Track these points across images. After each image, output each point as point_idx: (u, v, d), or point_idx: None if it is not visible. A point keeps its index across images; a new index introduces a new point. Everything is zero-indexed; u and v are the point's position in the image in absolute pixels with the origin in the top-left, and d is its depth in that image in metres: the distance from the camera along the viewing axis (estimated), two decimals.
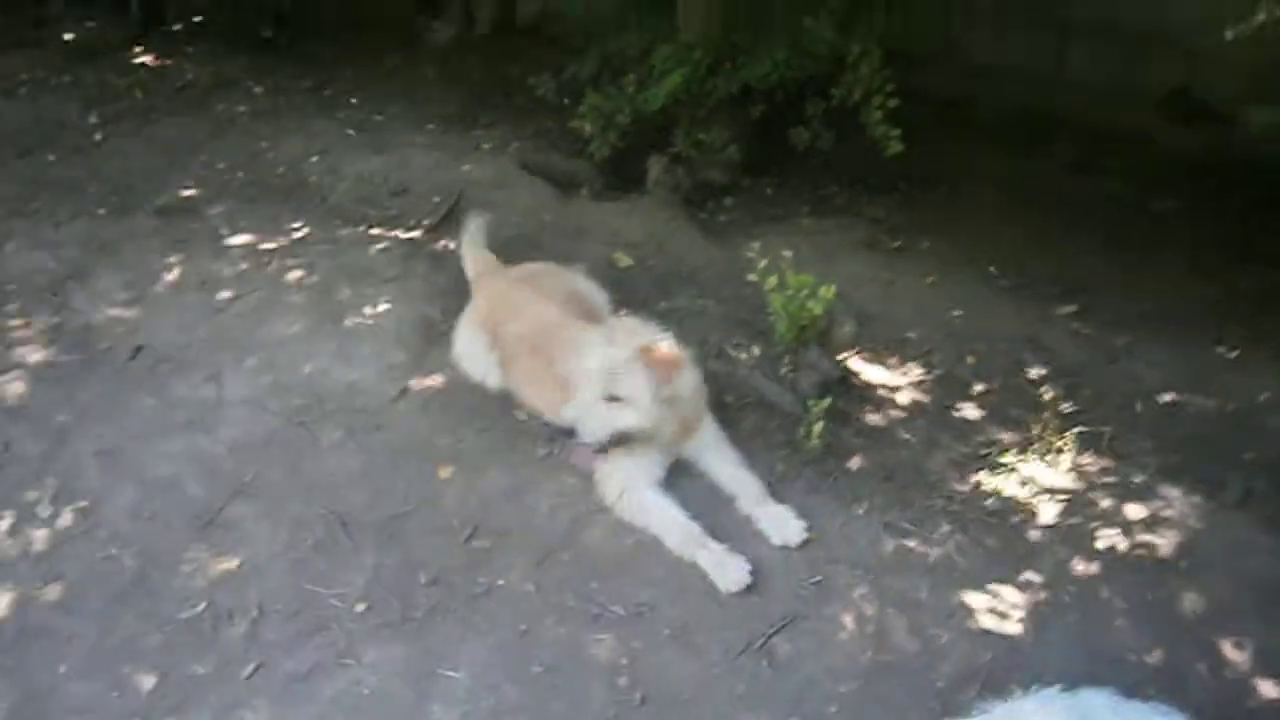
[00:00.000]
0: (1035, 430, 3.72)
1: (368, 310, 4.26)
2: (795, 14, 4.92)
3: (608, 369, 3.25)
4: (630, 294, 4.43)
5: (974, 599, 3.15)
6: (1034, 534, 3.36)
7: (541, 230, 4.92)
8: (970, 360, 4.16)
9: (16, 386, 3.91)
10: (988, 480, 3.55)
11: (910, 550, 3.30)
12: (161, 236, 4.75)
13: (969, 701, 2.75)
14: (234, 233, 4.77)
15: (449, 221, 4.94)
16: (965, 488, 3.53)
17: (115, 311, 4.30)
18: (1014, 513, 3.44)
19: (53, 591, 3.20)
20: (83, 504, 3.47)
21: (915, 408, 3.90)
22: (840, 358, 3.99)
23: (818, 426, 3.55)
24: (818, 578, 3.22)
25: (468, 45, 6.45)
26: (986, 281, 4.74)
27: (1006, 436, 3.75)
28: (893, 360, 4.14)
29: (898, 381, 4.03)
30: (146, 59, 6.56)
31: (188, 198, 5.11)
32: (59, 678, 2.97)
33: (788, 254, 3.82)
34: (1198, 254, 5.01)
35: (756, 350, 4.10)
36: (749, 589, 3.15)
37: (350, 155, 5.48)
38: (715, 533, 3.29)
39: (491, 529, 3.39)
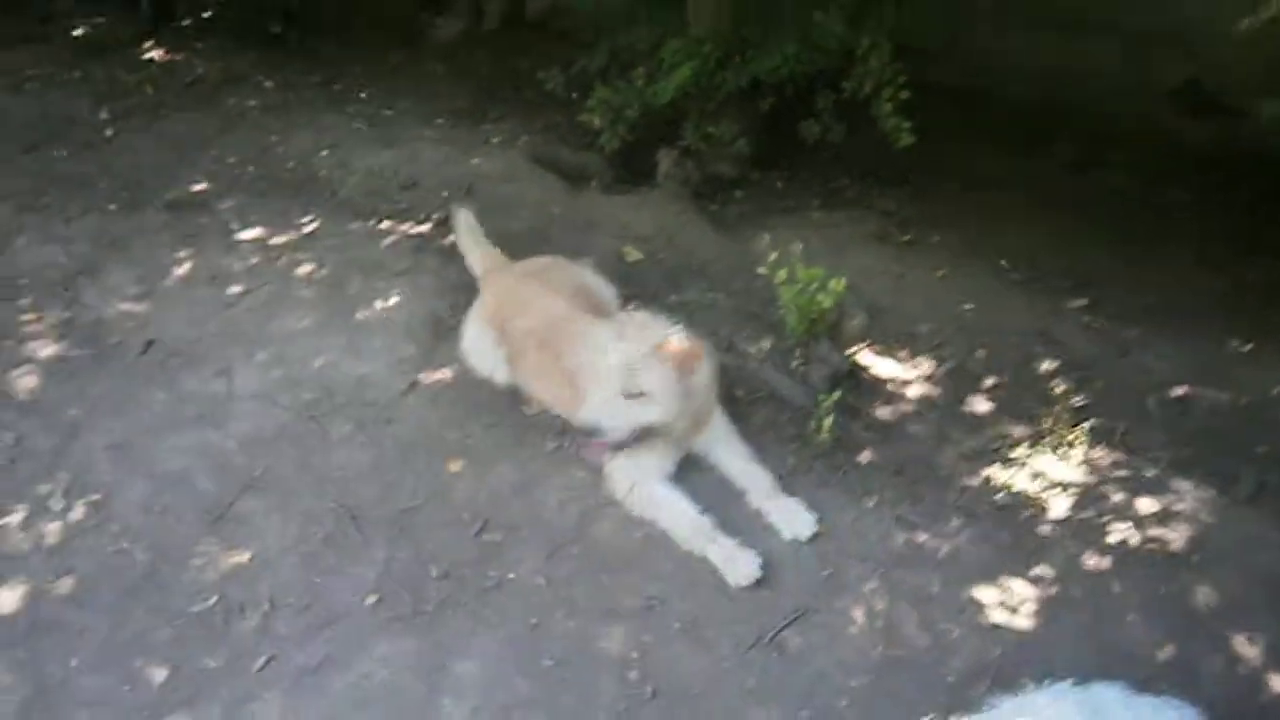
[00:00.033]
0: (1046, 424, 3.70)
1: (378, 304, 4.27)
2: (805, 8, 4.90)
3: (627, 364, 3.24)
4: (640, 287, 4.43)
5: (985, 593, 3.15)
6: (1045, 528, 3.35)
7: (551, 224, 4.92)
8: (981, 354, 4.15)
9: (28, 381, 3.92)
10: (998, 474, 3.54)
11: (921, 544, 3.30)
12: (172, 231, 4.76)
13: (979, 696, 2.75)
14: (244, 227, 4.78)
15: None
16: (976, 482, 3.52)
17: (126, 306, 4.31)
18: (1025, 507, 3.43)
19: (64, 585, 3.21)
20: (94, 498, 3.48)
21: (926, 401, 3.89)
22: (850, 351, 3.98)
23: (828, 420, 3.54)
24: (828, 571, 3.22)
25: (476, 39, 6.45)
26: (997, 275, 4.72)
27: (1017, 430, 3.74)
28: (903, 354, 4.13)
29: (908, 375, 4.01)
30: (156, 54, 6.57)
31: (198, 193, 5.11)
32: (70, 671, 2.98)
33: (798, 247, 3.82)
34: (1207, 247, 4.99)
35: (767, 344, 4.10)
36: (759, 583, 3.15)
37: (360, 149, 5.48)
38: (725, 527, 3.29)
39: (501, 523, 3.40)
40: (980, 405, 3.88)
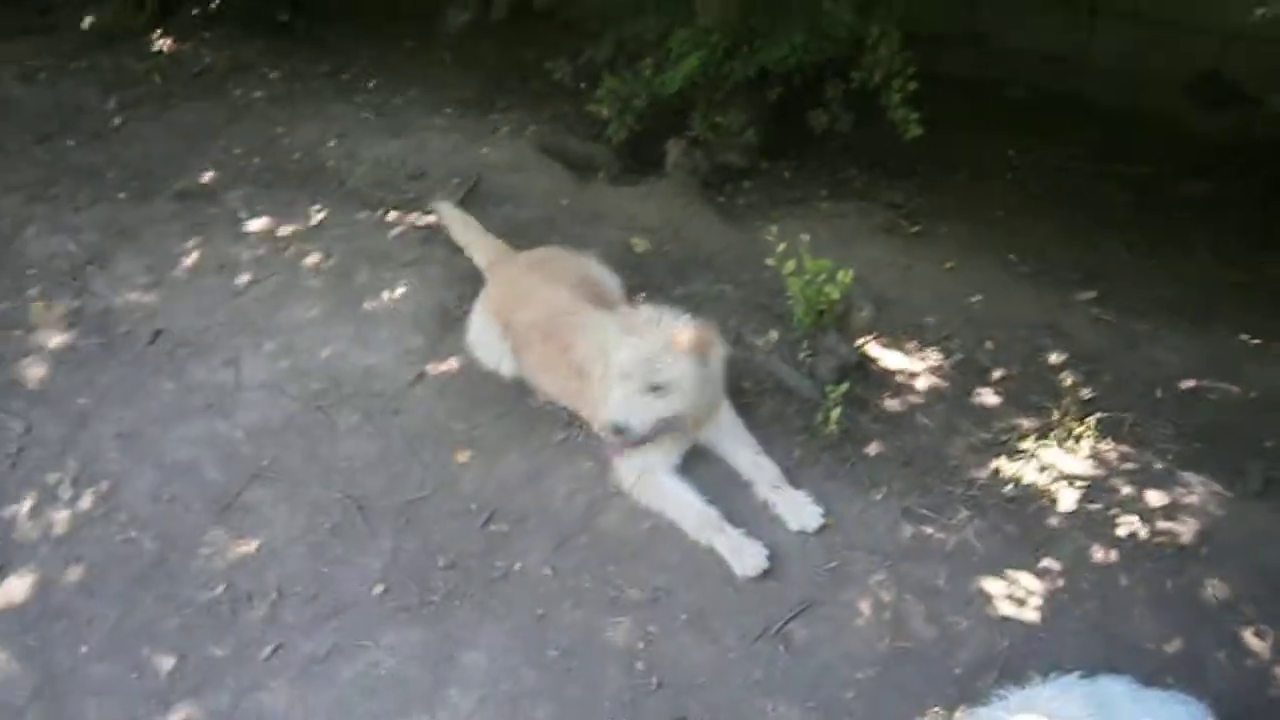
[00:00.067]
0: (1055, 416, 3.69)
1: (385, 294, 4.27)
2: None
3: (645, 358, 3.24)
4: (647, 278, 4.42)
5: (992, 585, 3.14)
6: (1053, 520, 3.35)
7: (558, 214, 4.91)
8: (989, 346, 4.13)
9: (37, 370, 3.94)
10: (1006, 466, 3.53)
11: (928, 536, 3.29)
12: (180, 221, 4.76)
13: (987, 688, 2.75)
14: (252, 217, 4.78)
15: (466, 205, 4.93)
16: (984, 474, 3.51)
17: (134, 296, 4.32)
18: (1033, 499, 3.42)
19: (73, 573, 3.23)
20: (103, 487, 3.50)
21: (934, 393, 3.87)
22: (858, 343, 3.97)
23: (835, 412, 3.54)
24: (835, 563, 3.22)
25: (484, 29, 6.43)
26: (1006, 267, 4.70)
27: (1026, 422, 3.72)
28: (911, 345, 4.11)
29: (916, 367, 4.00)
30: (164, 44, 6.56)
31: (206, 182, 5.12)
32: (79, 658, 3.00)
33: (806, 238, 3.80)
34: (1219, 240, 4.96)
35: (774, 335, 4.09)
36: (766, 574, 3.15)
37: (367, 139, 5.48)
38: (732, 518, 3.29)
39: (509, 513, 3.40)
40: (988, 397, 3.87)
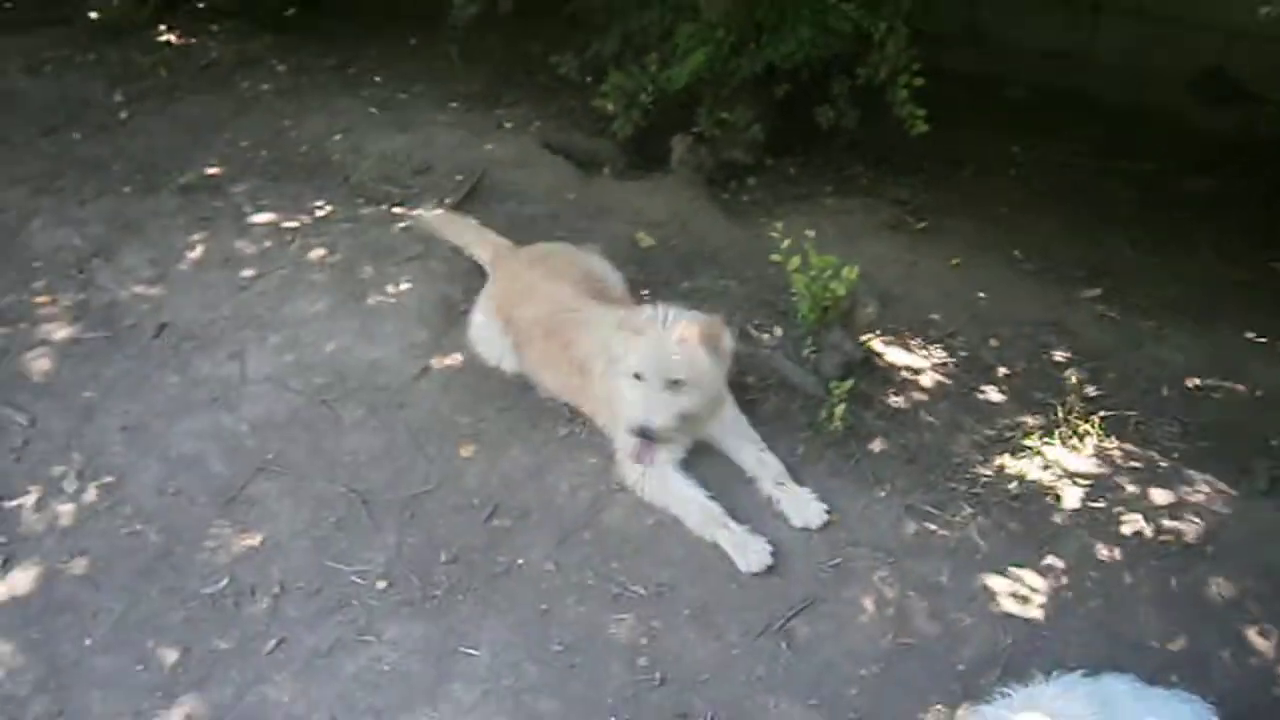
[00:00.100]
0: (1059, 414, 3.69)
1: (390, 289, 4.27)
2: None
3: (659, 356, 3.23)
4: (653, 274, 4.42)
5: (996, 583, 3.14)
6: (1057, 518, 3.34)
7: (563, 209, 4.91)
8: (994, 343, 4.13)
9: (43, 363, 3.94)
10: (1011, 463, 3.53)
11: (932, 533, 3.29)
12: (185, 214, 4.77)
13: (990, 686, 2.75)
14: (257, 211, 4.78)
15: (472, 200, 4.94)
16: (988, 471, 3.51)
17: (140, 289, 4.32)
18: (1037, 496, 3.42)
19: (78, 566, 3.23)
20: (108, 480, 3.50)
21: (938, 390, 3.87)
22: (863, 339, 3.96)
23: (840, 408, 3.53)
24: (838, 560, 3.22)
25: (490, 23, 6.41)
26: (1011, 264, 4.69)
27: (1030, 420, 3.72)
28: (916, 342, 4.11)
29: (921, 364, 4.00)
30: (171, 37, 6.56)
31: (211, 176, 5.12)
32: (84, 651, 3.00)
33: (811, 234, 3.80)
34: (1223, 237, 4.95)
35: (779, 331, 4.09)
36: (769, 570, 3.15)
37: (373, 133, 5.48)
38: (735, 514, 3.29)
39: (512, 508, 3.41)
40: (993, 394, 3.87)
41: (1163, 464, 3.55)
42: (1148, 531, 3.29)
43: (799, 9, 4.83)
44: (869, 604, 3.09)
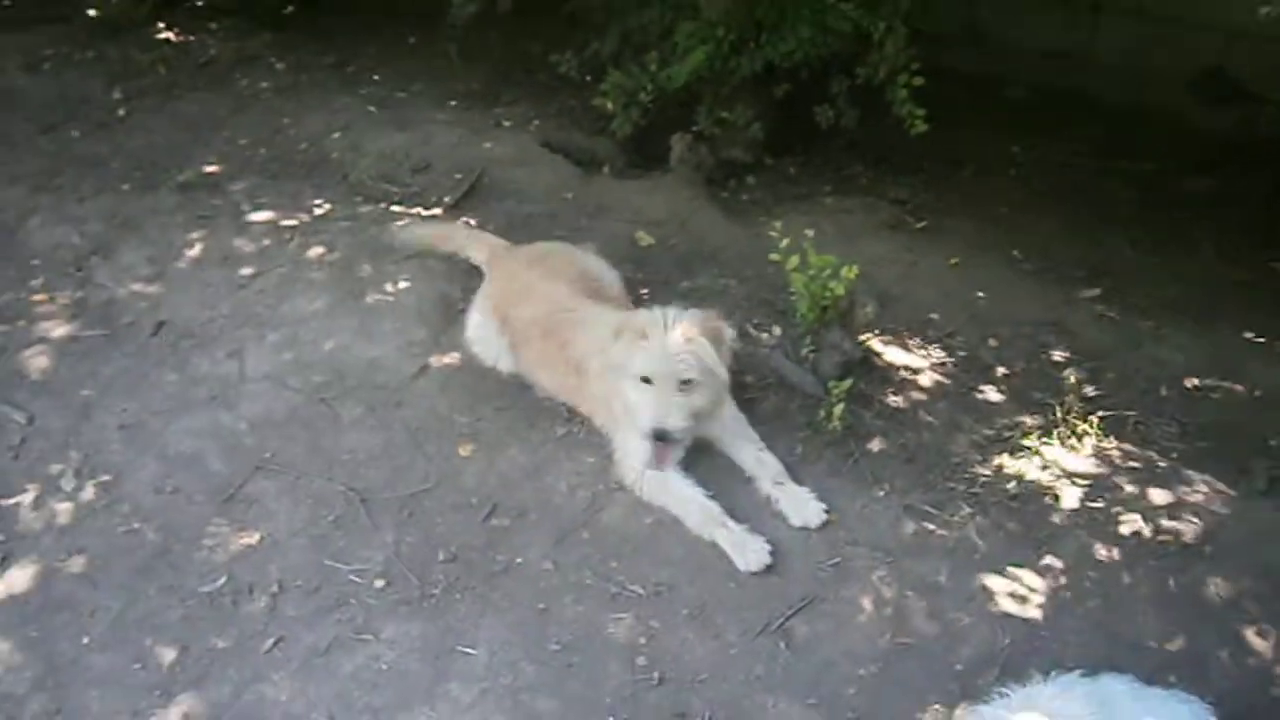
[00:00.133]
0: (1058, 414, 3.69)
1: (388, 287, 4.26)
2: None
3: (667, 357, 3.23)
4: (652, 273, 4.42)
5: (994, 582, 3.14)
6: (1056, 518, 3.34)
7: (563, 208, 4.90)
8: (993, 343, 4.13)
9: (41, 361, 3.94)
10: (1009, 463, 3.53)
11: (930, 533, 3.29)
12: (184, 212, 4.76)
13: (988, 685, 2.75)
14: (256, 209, 4.78)
15: (470, 198, 4.93)
16: (987, 471, 3.51)
17: (138, 287, 4.31)
18: (1036, 496, 3.42)
19: (76, 564, 3.23)
20: (106, 478, 3.50)
21: (937, 390, 3.87)
22: (862, 339, 3.96)
23: (839, 408, 3.53)
24: (837, 559, 3.21)
25: (489, 22, 6.41)
26: (1010, 264, 4.70)
27: (1029, 420, 3.72)
28: (915, 342, 4.11)
29: (920, 363, 4.00)
30: (169, 35, 6.56)
31: (210, 174, 5.12)
32: (81, 649, 3.00)
33: (810, 234, 3.79)
34: (1223, 237, 4.95)
35: (778, 330, 4.09)
36: (768, 570, 3.15)
37: (372, 132, 5.47)
38: (734, 514, 3.29)
39: (510, 507, 3.40)
40: (992, 394, 3.87)
41: (1161, 464, 3.55)
42: (1146, 531, 3.29)
43: (798, 8, 4.83)
44: (867, 603, 3.09)
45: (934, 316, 4.27)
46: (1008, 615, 3.05)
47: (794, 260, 3.73)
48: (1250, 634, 2.99)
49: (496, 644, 3.00)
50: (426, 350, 3.99)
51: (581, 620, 3.06)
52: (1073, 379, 3.87)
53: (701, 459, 3.49)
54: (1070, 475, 3.49)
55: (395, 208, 4.82)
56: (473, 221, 4.70)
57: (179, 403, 3.78)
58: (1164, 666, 2.90)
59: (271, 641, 3.01)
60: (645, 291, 4.28)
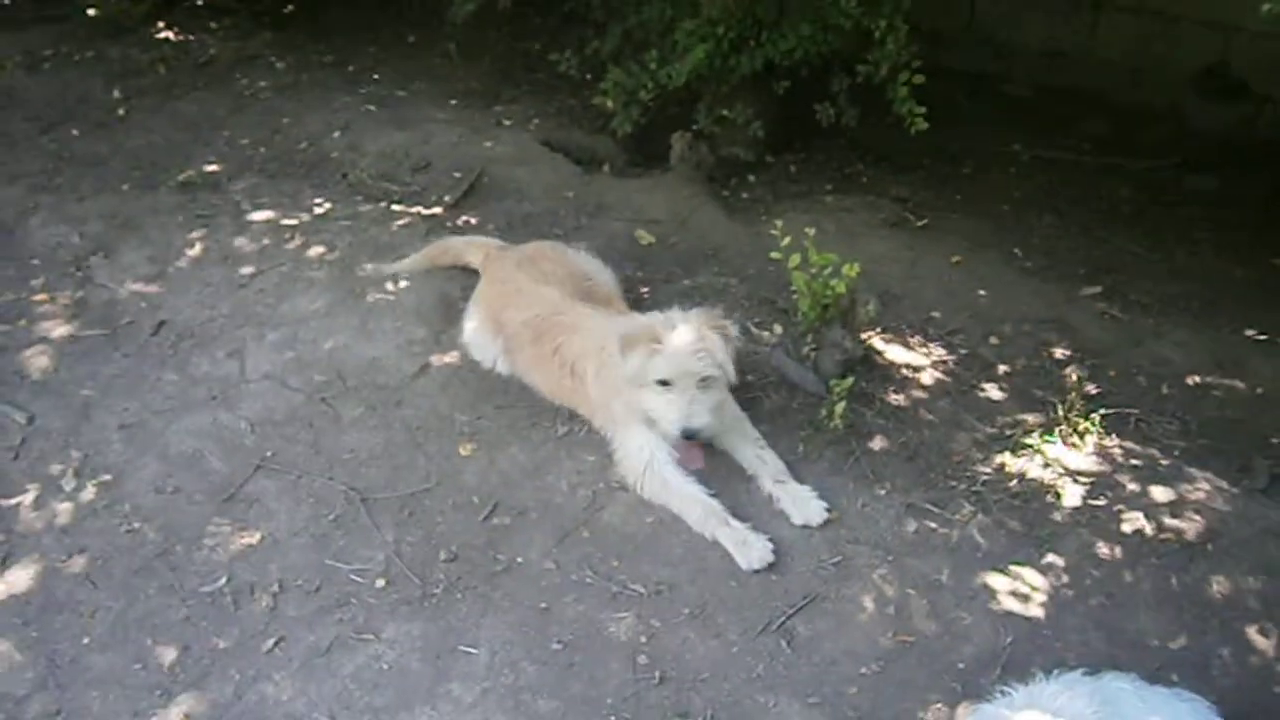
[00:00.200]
0: (1059, 412, 3.68)
1: (389, 286, 4.26)
2: None
3: (685, 357, 3.23)
4: (652, 271, 4.42)
5: (996, 581, 3.14)
6: (1057, 516, 3.34)
7: (563, 207, 4.90)
8: (994, 341, 4.13)
9: (41, 360, 3.94)
10: (1011, 462, 3.53)
11: (932, 531, 3.29)
12: (184, 212, 4.76)
13: (990, 684, 2.75)
14: (256, 208, 4.78)
15: (470, 197, 4.93)
16: (988, 469, 3.51)
17: (138, 286, 4.31)
18: (1037, 494, 3.41)
19: (77, 564, 3.22)
20: (106, 478, 3.49)
21: (938, 388, 3.87)
22: (863, 337, 3.96)
23: (840, 406, 3.53)
24: (838, 558, 3.21)
25: (489, 20, 6.41)
26: (1011, 262, 4.69)
27: (1030, 418, 3.72)
28: (916, 340, 4.11)
29: (921, 362, 3.99)
30: (169, 34, 6.56)
31: (210, 173, 5.12)
32: (82, 649, 3.00)
33: (811, 232, 3.78)
34: (1224, 235, 4.95)
35: (779, 329, 4.09)
36: (769, 569, 3.15)
37: (372, 131, 5.47)
38: (736, 512, 3.29)
39: (511, 506, 3.40)
40: (993, 392, 3.86)
41: (1163, 462, 3.55)
42: (1148, 529, 3.28)
43: (799, 6, 4.83)
44: (869, 602, 3.09)
45: (935, 314, 4.26)
46: (1010, 613, 3.05)
47: (795, 258, 3.73)
48: (1252, 632, 2.99)
49: (497, 643, 2.99)
50: (427, 349, 3.99)
51: (583, 619, 3.06)
52: (1074, 377, 3.87)
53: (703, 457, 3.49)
54: (1072, 473, 3.49)
55: (395, 207, 4.82)
56: (474, 220, 4.69)
57: (179, 402, 3.78)
58: (1166, 664, 2.89)
59: (272, 641, 3.01)
60: (646, 290, 4.28)
